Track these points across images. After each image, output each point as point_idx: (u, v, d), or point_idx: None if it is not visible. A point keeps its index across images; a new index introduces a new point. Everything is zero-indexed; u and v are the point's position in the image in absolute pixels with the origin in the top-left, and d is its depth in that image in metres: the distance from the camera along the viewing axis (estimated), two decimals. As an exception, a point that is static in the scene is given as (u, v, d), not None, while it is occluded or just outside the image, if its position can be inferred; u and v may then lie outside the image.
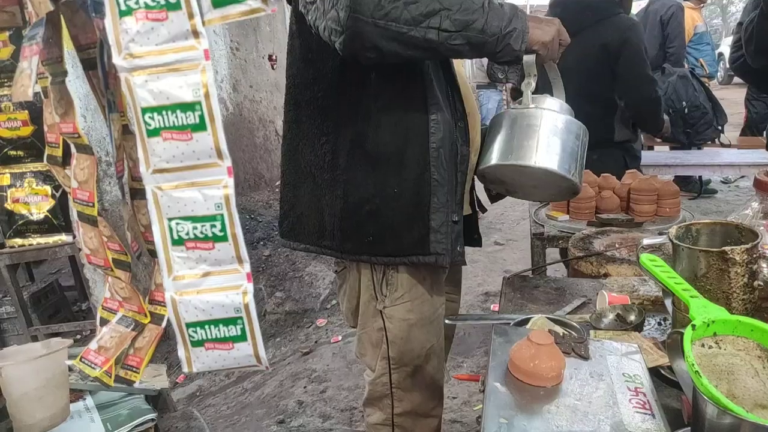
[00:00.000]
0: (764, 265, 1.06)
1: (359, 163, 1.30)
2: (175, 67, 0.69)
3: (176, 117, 0.70)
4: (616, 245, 1.72)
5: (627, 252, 1.66)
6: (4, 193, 2.72)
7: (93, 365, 0.84)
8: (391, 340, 1.42)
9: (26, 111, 2.61)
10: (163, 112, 0.70)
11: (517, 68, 1.16)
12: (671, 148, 4.95)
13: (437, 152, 1.29)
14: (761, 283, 1.03)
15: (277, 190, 5.45)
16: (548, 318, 1.19)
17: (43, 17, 0.75)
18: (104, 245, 0.85)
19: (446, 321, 1.48)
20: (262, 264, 4.26)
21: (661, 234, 1.57)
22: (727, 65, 3.28)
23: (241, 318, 0.75)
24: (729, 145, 4.28)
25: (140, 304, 0.88)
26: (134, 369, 0.86)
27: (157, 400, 2.02)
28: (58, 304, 3.32)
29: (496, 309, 2.85)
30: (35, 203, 2.70)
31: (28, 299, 3.02)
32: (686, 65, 4.62)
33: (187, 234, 0.73)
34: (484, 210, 1.65)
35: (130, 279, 0.87)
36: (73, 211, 0.85)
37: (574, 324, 1.16)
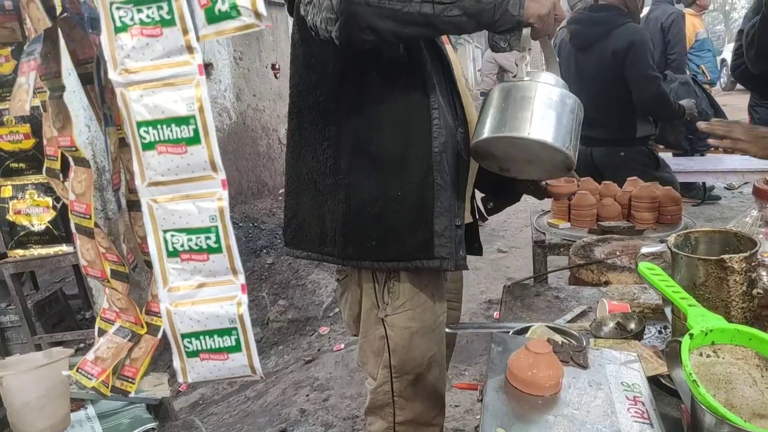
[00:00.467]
0: (763, 273, 1.05)
1: (362, 167, 1.30)
2: (169, 82, 0.70)
3: (171, 131, 0.71)
4: (617, 253, 1.72)
5: (628, 260, 1.66)
6: (6, 205, 2.76)
7: (89, 376, 0.85)
8: (392, 349, 1.42)
9: (28, 124, 2.65)
10: (158, 126, 0.71)
11: (519, 35, 1.14)
12: (674, 155, 4.93)
13: (440, 156, 1.29)
14: (760, 291, 1.03)
15: (280, 198, 5.47)
16: (548, 326, 1.18)
17: (41, 33, 0.76)
18: (101, 257, 0.86)
19: (447, 330, 1.47)
20: (265, 272, 4.26)
21: (661, 242, 1.56)
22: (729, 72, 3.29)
23: (235, 329, 0.75)
24: (732, 152, 4.26)
25: (137, 315, 0.88)
26: (130, 380, 0.87)
27: (158, 409, 2.02)
28: (62, 313, 3.32)
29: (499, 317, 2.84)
30: (36, 215, 2.73)
31: (32, 308, 3.02)
32: (688, 72, 4.61)
33: (182, 246, 0.74)
34: (484, 219, 1.65)
35: (128, 290, 0.88)
36: (72, 222, 0.86)
37: (574, 332, 1.16)
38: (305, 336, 3.63)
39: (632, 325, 1.22)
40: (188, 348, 0.76)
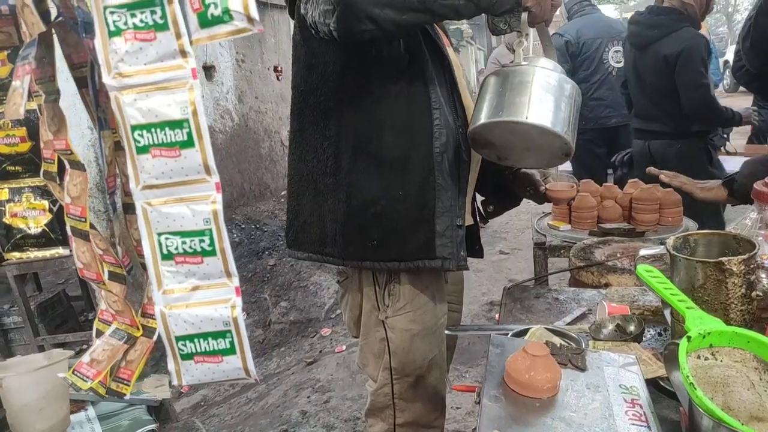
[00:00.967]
0: (762, 276, 1.05)
1: (363, 166, 1.30)
2: (163, 86, 0.70)
3: (165, 134, 0.71)
4: (618, 255, 1.72)
5: (628, 262, 1.66)
6: (3, 208, 2.78)
7: (85, 378, 0.85)
8: (393, 351, 1.42)
9: (24, 128, 2.67)
10: (152, 130, 0.72)
11: (518, 15, 1.11)
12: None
13: (441, 156, 1.29)
14: (759, 294, 1.03)
15: (282, 200, 5.49)
16: (547, 329, 1.18)
17: (36, 38, 0.77)
18: (96, 260, 0.86)
19: (446, 332, 1.47)
20: (267, 274, 4.27)
21: (661, 243, 1.56)
22: (732, 71, 3.30)
23: (230, 331, 0.76)
24: (735, 153, 4.26)
25: (132, 318, 0.89)
26: (125, 382, 0.87)
27: (159, 410, 2.02)
28: (64, 314, 3.33)
29: (500, 319, 2.83)
30: (33, 217, 2.74)
31: (35, 309, 3.04)
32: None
33: (176, 249, 0.74)
34: (485, 221, 1.65)
35: (124, 292, 0.89)
36: (67, 225, 0.87)
37: (573, 335, 1.16)
38: (307, 337, 3.63)
39: (632, 328, 1.21)
40: (183, 351, 0.77)
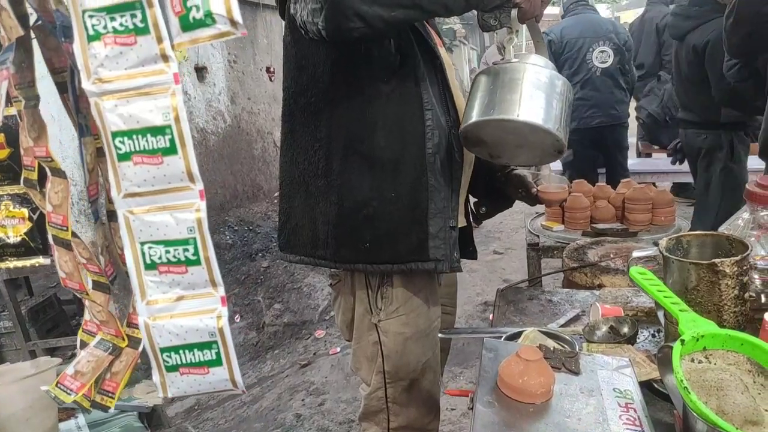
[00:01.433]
0: (755, 277, 1.05)
1: (354, 167, 1.28)
2: (144, 91, 0.69)
3: (147, 141, 0.70)
4: (611, 255, 1.72)
5: (621, 262, 1.65)
6: (-19, 217, 2.70)
7: (69, 391, 0.84)
8: (386, 354, 1.40)
9: (2, 134, 2.57)
10: (134, 136, 0.70)
11: (509, 11, 1.10)
12: (668, 155, 4.94)
13: (433, 157, 1.28)
14: (753, 295, 1.02)
15: (275, 201, 5.46)
16: (540, 331, 1.17)
17: (14, 42, 0.76)
18: (78, 269, 0.84)
19: (439, 335, 1.46)
20: (261, 276, 4.25)
21: (655, 244, 1.55)
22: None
23: (215, 342, 0.74)
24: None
25: (117, 328, 0.87)
26: (110, 394, 0.85)
27: (150, 416, 2.00)
28: (56, 319, 3.30)
29: (494, 319, 2.83)
30: (12, 226, 2.67)
31: (26, 314, 3.00)
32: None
33: (160, 258, 0.73)
34: (478, 223, 1.64)
35: (109, 302, 0.87)
36: (49, 234, 0.85)
37: (567, 337, 1.15)
38: (301, 340, 3.62)
39: (625, 329, 1.21)
40: (168, 362, 0.75)
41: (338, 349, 3.33)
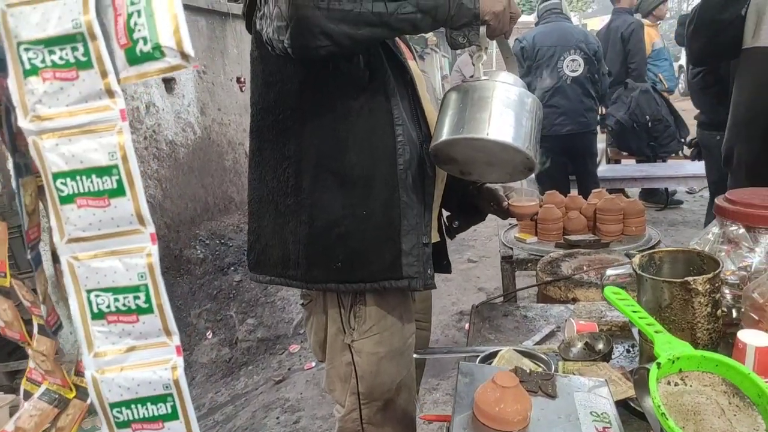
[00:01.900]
0: (726, 292, 1.05)
1: (326, 185, 1.26)
2: (88, 129, 0.64)
3: (92, 182, 0.65)
4: (584, 268, 1.72)
5: (594, 274, 1.66)
6: None
7: (8, 451, 0.78)
8: (360, 375, 1.38)
9: None
10: (77, 178, 0.65)
11: (477, 29, 1.09)
12: (637, 161, 5.03)
13: (405, 173, 1.26)
14: (725, 310, 1.03)
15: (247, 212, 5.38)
16: (516, 350, 1.16)
17: None
18: (19, 318, 0.79)
19: (414, 355, 1.44)
20: (233, 290, 4.17)
21: (628, 256, 1.56)
22: (688, 78, 3.41)
23: (171, 395, 0.69)
24: (691, 158, 4.40)
25: (64, 377, 0.81)
26: (55, 453, 0.80)
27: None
28: (17, 341, 3.18)
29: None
30: None
31: (-15, 337, 2.88)
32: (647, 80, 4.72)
33: (108, 307, 0.68)
34: (452, 236, 1.63)
35: (55, 349, 0.81)
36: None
37: (543, 356, 1.14)
38: (275, 355, 3.55)
39: (600, 346, 1.20)
40: (118, 418, 0.70)
41: (313, 364, 3.28)
